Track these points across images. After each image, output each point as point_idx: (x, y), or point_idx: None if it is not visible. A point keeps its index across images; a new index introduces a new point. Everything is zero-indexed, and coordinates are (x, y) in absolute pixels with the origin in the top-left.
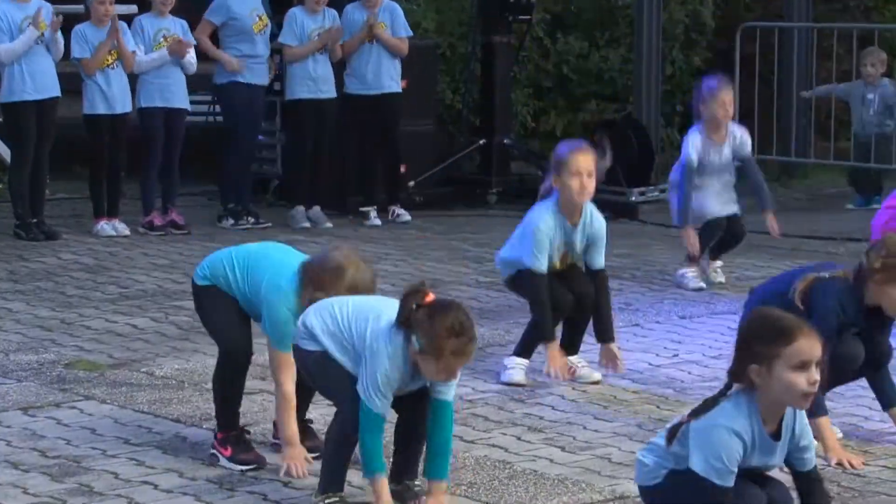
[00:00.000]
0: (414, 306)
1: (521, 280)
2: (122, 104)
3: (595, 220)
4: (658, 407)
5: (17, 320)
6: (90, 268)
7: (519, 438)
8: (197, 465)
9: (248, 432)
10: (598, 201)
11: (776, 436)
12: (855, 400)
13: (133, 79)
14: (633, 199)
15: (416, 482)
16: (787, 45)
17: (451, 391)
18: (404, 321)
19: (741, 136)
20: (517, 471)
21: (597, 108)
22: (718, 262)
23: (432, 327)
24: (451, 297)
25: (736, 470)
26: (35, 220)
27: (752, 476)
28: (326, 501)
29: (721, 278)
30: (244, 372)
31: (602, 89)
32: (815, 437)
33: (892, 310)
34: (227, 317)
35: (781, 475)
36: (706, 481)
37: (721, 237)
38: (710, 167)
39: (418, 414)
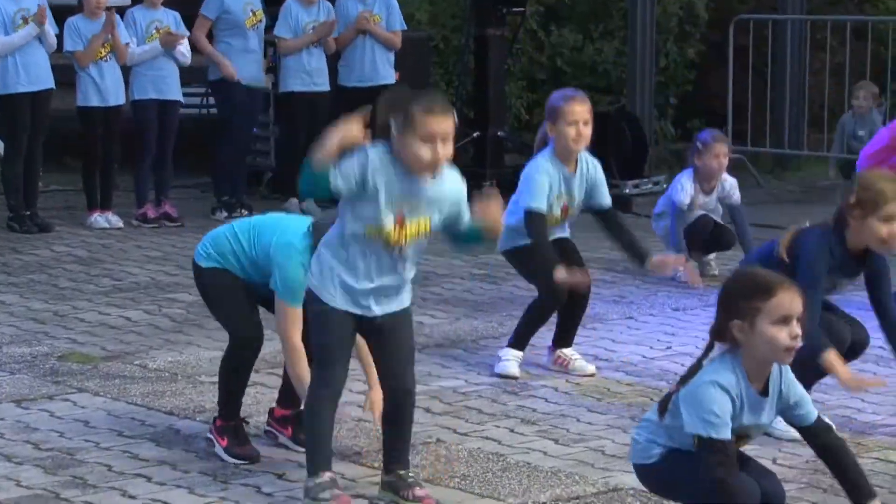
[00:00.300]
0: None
1: (519, 255)
2: (116, 96)
3: (591, 165)
4: (652, 399)
5: (10, 313)
6: (83, 260)
7: (512, 431)
8: (190, 457)
9: (247, 423)
10: None
11: (764, 393)
12: (848, 393)
13: (126, 71)
14: (627, 191)
15: (410, 473)
16: (780, 37)
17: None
18: (381, 131)
19: (730, 186)
20: (510, 463)
21: (591, 101)
22: (711, 255)
23: (403, 106)
24: (444, 290)
25: (730, 423)
26: (28, 213)
27: (745, 466)
28: (316, 482)
29: (715, 271)
30: (253, 361)
31: (596, 82)
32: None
33: (876, 243)
34: (237, 303)
35: (777, 468)
36: (703, 439)
37: (707, 239)
38: (697, 207)
39: (403, 402)
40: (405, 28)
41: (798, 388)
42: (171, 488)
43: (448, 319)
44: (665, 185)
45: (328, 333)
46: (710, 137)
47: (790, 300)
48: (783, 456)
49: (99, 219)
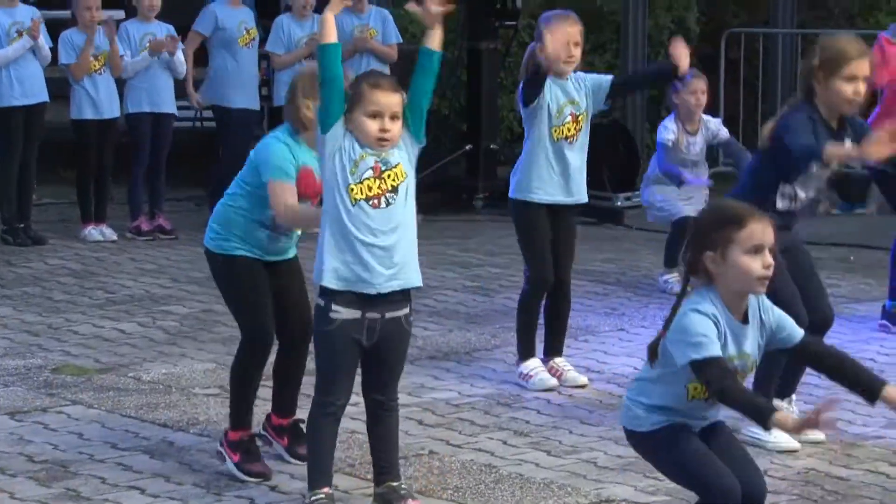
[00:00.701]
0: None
1: (520, 216)
2: (110, 109)
3: (583, 75)
4: None
5: (4, 325)
6: (77, 273)
7: (505, 442)
8: (184, 469)
9: (259, 438)
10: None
11: (744, 322)
12: (840, 405)
13: (121, 84)
14: (619, 203)
15: (402, 485)
16: (771, 50)
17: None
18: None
19: (715, 126)
20: (503, 475)
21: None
22: None
23: (354, 85)
24: (437, 302)
25: (717, 342)
26: (22, 225)
27: (726, 454)
28: (314, 499)
29: None
30: (265, 361)
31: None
32: None
33: (844, 104)
34: (253, 298)
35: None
36: (696, 362)
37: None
38: (683, 163)
39: (387, 418)
40: (401, 41)
41: (776, 312)
42: (164, 500)
43: (440, 331)
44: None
45: (334, 353)
46: (688, 75)
47: (762, 230)
48: (774, 467)
49: (93, 231)
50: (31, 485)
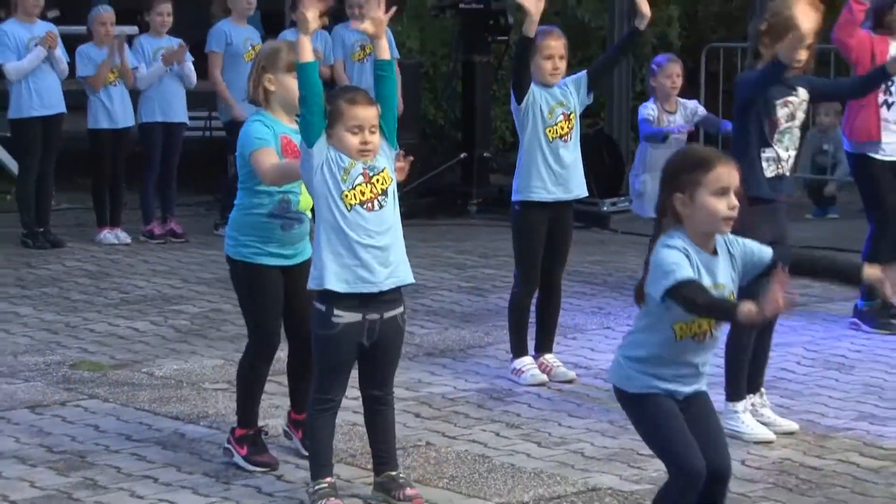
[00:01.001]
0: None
1: (518, 220)
2: (124, 119)
3: (565, 80)
4: None
5: (24, 324)
6: (93, 274)
7: (497, 434)
8: (195, 459)
9: (266, 433)
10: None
11: (713, 254)
12: (812, 398)
13: (134, 95)
14: (605, 209)
15: (401, 474)
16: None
17: None
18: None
19: (693, 105)
20: (496, 465)
21: None
22: None
23: (327, 100)
24: (433, 302)
25: (690, 269)
26: (41, 230)
27: (695, 428)
28: (316, 488)
29: None
30: (270, 362)
31: None
32: None
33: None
34: (266, 305)
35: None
36: (671, 289)
37: None
38: (662, 147)
39: (384, 412)
40: (398, 57)
41: (741, 241)
42: (176, 489)
43: (437, 330)
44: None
45: (334, 354)
46: (664, 59)
47: (728, 173)
48: (751, 457)
49: (108, 235)
50: (51, 474)
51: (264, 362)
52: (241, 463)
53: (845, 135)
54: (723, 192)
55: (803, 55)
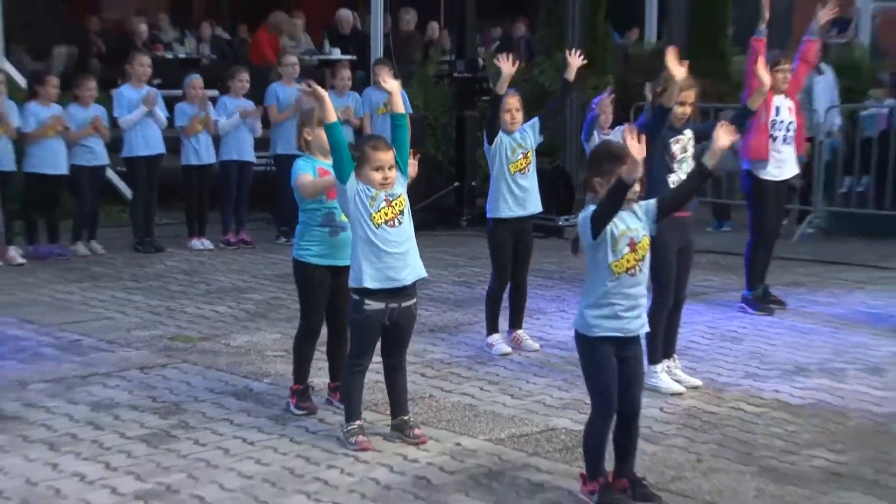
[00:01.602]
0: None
1: (492, 233)
2: (209, 157)
3: (523, 126)
4: (577, 367)
5: (136, 308)
6: (186, 271)
7: (482, 389)
8: (260, 407)
9: (313, 388)
10: (536, 225)
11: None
12: (711, 362)
13: (216, 140)
14: (560, 223)
15: (410, 418)
16: None
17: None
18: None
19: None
20: (481, 411)
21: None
22: None
23: (356, 147)
24: (434, 292)
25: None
26: (148, 239)
27: (625, 377)
28: (349, 428)
29: None
30: (316, 339)
31: (541, 148)
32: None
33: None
34: (316, 297)
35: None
36: (588, 217)
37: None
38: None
39: (399, 374)
40: (410, 111)
41: (643, 202)
42: (247, 429)
43: (437, 312)
44: None
45: (365, 331)
46: (597, 99)
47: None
48: (667, 406)
49: (196, 243)
50: (155, 417)
51: (311, 338)
52: (291, 408)
53: (741, 155)
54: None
55: (687, 110)
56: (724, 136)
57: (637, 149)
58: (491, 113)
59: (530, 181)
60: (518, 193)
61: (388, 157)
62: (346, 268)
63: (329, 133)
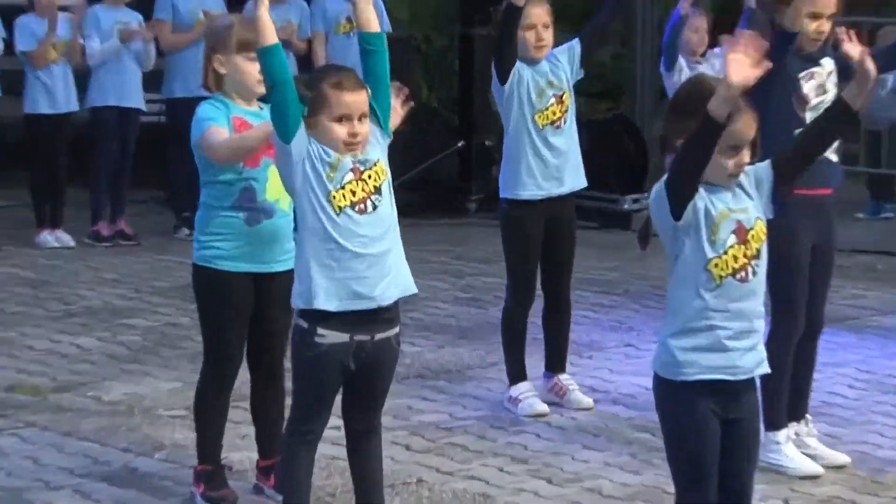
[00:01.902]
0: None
1: (507, 220)
2: (67, 102)
3: (554, 52)
4: (654, 435)
5: None
6: (32, 282)
7: (501, 470)
8: (147, 498)
9: (230, 468)
10: (586, 209)
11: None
12: (865, 426)
13: (81, 76)
14: (626, 206)
15: None
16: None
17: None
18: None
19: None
20: None
21: (585, 107)
22: None
23: (307, 85)
24: (425, 315)
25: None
26: None
27: (732, 457)
28: None
29: None
30: (229, 387)
31: (590, 86)
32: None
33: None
34: (229, 325)
35: None
36: (664, 183)
37: None
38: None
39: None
40: (391, 31)
41: (752, 168)
42: None
43: (430, 347)
44: None
45: (316, 379)
46: (692, 11)
47: (743, 128)
48: (795, 496)
49: (48, 237)
50: None
51: (223, 388)
52: (197, 500)
53: None
54: (734, 149)
55: (824, 26)
56: (871, 63)
57: (738, 61)
58: (503, 31)
59: (568, 140)
60: (550, 160)
61: (358, 99)
62: (279, 276)
63: (266, 62)
